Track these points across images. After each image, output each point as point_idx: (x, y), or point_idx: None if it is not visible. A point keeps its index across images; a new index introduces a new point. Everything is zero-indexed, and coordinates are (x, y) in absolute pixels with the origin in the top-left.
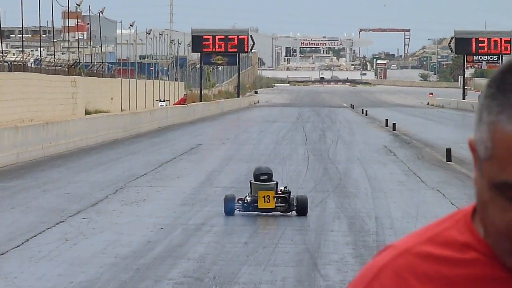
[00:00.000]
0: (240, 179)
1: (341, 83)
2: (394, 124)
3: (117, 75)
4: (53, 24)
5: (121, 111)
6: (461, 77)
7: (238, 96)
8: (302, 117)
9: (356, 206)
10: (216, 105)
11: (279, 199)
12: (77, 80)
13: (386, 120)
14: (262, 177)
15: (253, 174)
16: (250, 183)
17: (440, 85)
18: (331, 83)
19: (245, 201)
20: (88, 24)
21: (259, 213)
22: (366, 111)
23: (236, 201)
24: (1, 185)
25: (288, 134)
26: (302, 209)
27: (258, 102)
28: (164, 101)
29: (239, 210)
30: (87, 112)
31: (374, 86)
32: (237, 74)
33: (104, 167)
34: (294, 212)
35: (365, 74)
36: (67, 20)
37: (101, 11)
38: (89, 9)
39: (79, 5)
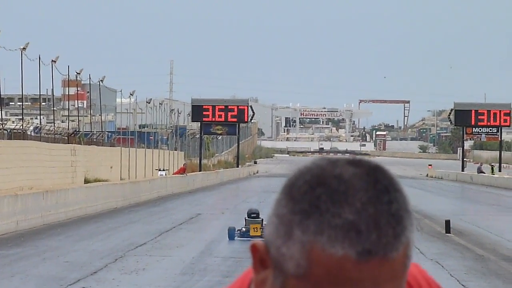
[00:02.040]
0: (240, 249)
1: (341, 154)
2: None
3: (117, 144)
4: (53, 92)
5: (121, 180)
6: (460, 149)
7: (238, 166)
8: None
9: None
10: (216, 175)
11: (263, 230)
12: (77, 149)
13: None
14: (252, 215)
15: (247, 213)
16: (245, 219)
17: (439, 157)
18: (331, 154)
19: (242, 231)
20: (88, 92)
21: (250, 239)
22: None
23: (235, 231)
24: (0, 253)
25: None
26: None
27: (257, 172)
28: (163, 170)
29: (238, 237)
30: (86, 181)
31: (373, 157)
32: (236, 144)
33: (103, 236)
34: None
35: (364, 145)
36: (67, 88)
37: (101, 80)
38: (89, 78)
39: (79, 73)
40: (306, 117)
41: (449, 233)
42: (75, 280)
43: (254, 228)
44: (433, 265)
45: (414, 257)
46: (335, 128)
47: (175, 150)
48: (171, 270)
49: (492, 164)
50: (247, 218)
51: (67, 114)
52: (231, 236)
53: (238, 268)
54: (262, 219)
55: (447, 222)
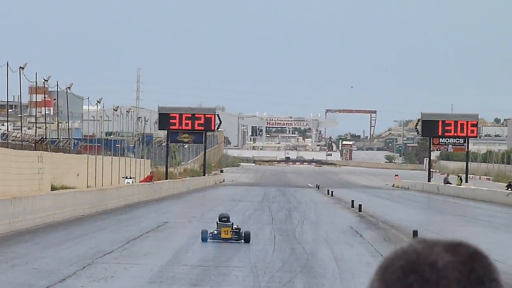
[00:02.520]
0: (207, 258)
1: (307, 163)
2: (360, 206)
3: (83, 151)
4: (20, 99)
5: (87, 187)
6: (426, 160)
7: (204, 175)
8: (268, 197)
9: (324, 286)
10: (182, 183)
11: (234, 233)
12: (44, 156)
13: (352, 201)
14: (223, 219)
15: (218, 217)
16: (217, 222)
17: (405, 167)
18: (297, 163)
19: (214, 233)
20: (55, 99)
21: (221, 241)
22: (332, 191)
23: (208, 233)
24: None
25: (254, 213)
26: (247, 239)
27: (223, 181)
28: (130, 178)
29: (210, 239)
30: (53, 188)
31: (339, 167)
32: (203, 152)
33: (71, 243)
34: (242, 241)
35: (330, 154)
36: (34, 95)
37: (68, 87)
38: (57, 85)
39: (47, 80)
40: (273, 126)
41: None
42: (44, 287)
43: (225, 231)
44: None
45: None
46: (301, 137)
47: (142, 158)
48: (140, 278)
49: (460, 174)
50: (218, 222)
51: (34, 121)
52: (204, 239)
53: (206, 277)
54: (232, 223)
55: (415, 232)
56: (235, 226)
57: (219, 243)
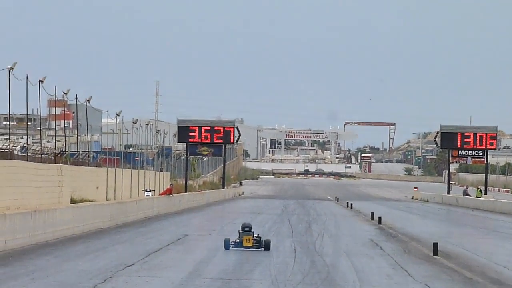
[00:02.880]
0: (228, 270)
1: (326, 175)
2: (379, 218)
3: (103, 164)
4: (39, 112)
5: (107, 200)
6: (445, 172)
7: (223, 187)
8: (287, 209)
9: None
10: (202, 196)
11: (255, 241)
12: (63, 169)
13: (372, 213)
14: (246, 228)
15: (241, 226)
16: (239, 231)
17: (424, 179)
18: (316, 175)
19: (236, 242)
20: (74, 112)
21: (243, 249)
22: (351, 204)
23: (230, 241)
24: None
25: (274, 226)
26: (267, 246)
27: (243, 194)
28: (149, 191)
29: (233, 247)
30: (72, 201)
31: (358, 179)
32: (222, 165)
33: (91, 256)
34: (263, 248)
35: (349, 167)
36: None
37: (88, 100)
38: (76, 98)
39: (66, 93)
40: (292, 138)
41: (437, 255)
42: None
43: (246, 239)
44: None
45: (402, 280)
46: (320, 150)
47: (161, 170)
48: None
49: (479, 186)
50: (240, 231)
51: (54, 134)
52: (226, 246)
53: None
54: (253, 232)
55: (435, 245)
56: (256, 235)
57: (240, 254)
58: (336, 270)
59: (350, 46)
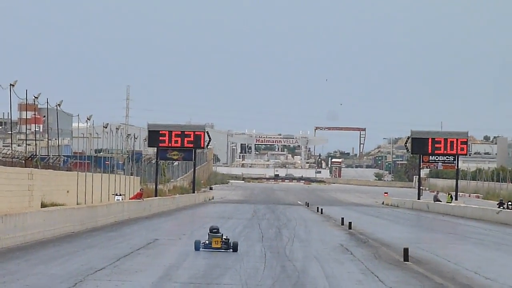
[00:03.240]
0: (198, 275)
1: (296, 180)
2: (350, 223)
3: (73, 168)
4: (10, 116)
5: (77, 204)
6: (416, 177)
7: (194, 192)
8: (257, 214)
9: None
10: (172, 200)
11: (223, 243)
12: (34, 173)
13: (342, 218)
14: (214, 230)
15: (209, 229)
16: (208, 233)
17: (394, 185)
18: (286, 180)
19: (205, 243)
20: (44, 116)
21: (212, 250)
22: (321, 209)
23: (200, 243)
24: None
25: (244, 230)
26: (235, 248)
27: (213, 198)
28: (120, 195)
29: (202, 248)
30: (43, 205)
31: (328, 185)
32: (192, 169)
33: (62, 260)
34: (231, 250)
35: (319, 172)
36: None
37: (58, 104)
38: (47, 102)
39: (37, 97)
40: (262, 143)
41: (408, 261)
42: None
43: (215, 241)
44: None
45: (373, 285)
46: (290, 155)
47: (131, 175)
48: None
49: (450, 192)
50: (209, 233)
51: (24, 138)
52: (197, 248)
53: None
54: (222, 234)
55: (406, 250)
56: (224, 237)
57: (210, 258)
58: (306, 275)
59: (320, 51)
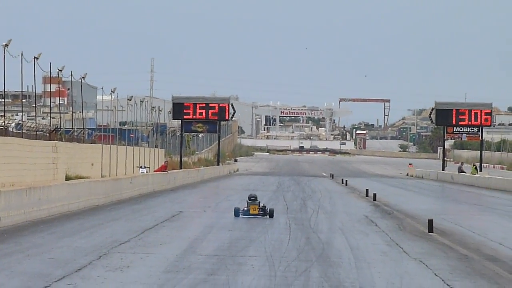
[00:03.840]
0: (223, 247)
1: (320, 152)
2: (374, 195)
3: (98, 141)
4: (34, 89)
5: (102, 177)
6: (440, 148)
7: (218, 164)
8: (282, 186)
9: (339, 275)
10: (196, 172)
11: (260, 209)
12: (58, 146)
13: (367, 190)
14: (252, 198)
15: (248, 197)
16: (246, 201)
17: (419, 156)
18: (311, 152)
19: (244, 209)
20: (69, 89)
21: (250, 216)
22: (346, 181)
23: (240, 210)
24: None
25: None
26: (271, 214)
27: (237, 170)
28: (144, 167)
29: (241, 215)
30: (67, 178)
31: (353, 156)
32: (217, 142)
33: (86, 233)
34: (268, 216)
35: (344, 144)
36: (48, 85)
37: (82, 77)
38: (71, 75)
39: (61, 70)
40: (286, 115)
41: (432, 232)
42: (60, 277)
43: (253, 208)
44: (417, 265)
45: (397, 256)
46: (315, 126)
47: (156, 147)
48: (156, 267)
49: (474, 163)
50: (248, 200)
51: (48, 111)
52: (236, 214)
53: (221, 266)
54: (259, 201)
55: (430, 222)
56: (262, 204)
57: (235, 229)
58: (331, 247)
59: (345, 23)
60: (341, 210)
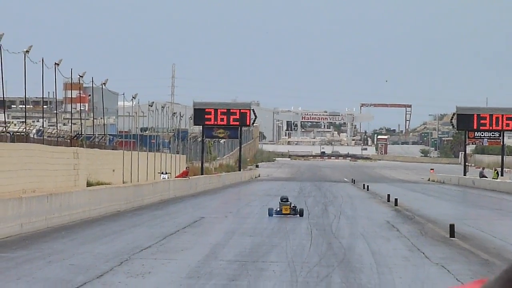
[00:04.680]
0: (244, 253)
1: (342, 158)
2: (396, 200)
3: (119, 147)
4: (55, 95)
5: (123, 183)
6: (461, 153)
7: (240, 170)
8: (303, 192)
9: (361, 281)
10: (218, 178)
11: (291, 209)
12: (79, 152)
13: (388, 195)
14: (284, 200)
15: (280, 198)
16: (279, 202)
17: (440, 161)
18: (332, 157)
19: (277, 210)
20: (89, 95)
21: (283, 215)
22: (368, 186)
23: (273, 210)
24: (6, 256)
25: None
26: (301, 213)
27: (259, 176)
28: (166, 173)
29: (275, 214)
30: (88, 184)
31: (374, 161)
32: (238, 147)
33: (108, 239)
34: (298, 215)
35: (366, 149)
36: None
37: (103, 83)
38: (92, 81)
39: (82, 76)
40: (308, 120)
41: (454, 237)
42: (81, 283)
43: (285, 208)
44: (438, 270)
45: (419, 261)
46: (336, 132)
47: (177, 153)
48: (177, 273)
49: (496, 168)
50: (280, 201)
51: (69, 117)
52: (270, 214)
53: (243, 272)
54: (290, 202)
55: (451, 226)
56: (292, 205)
57: (256, 235)
58: (352, 252)
59: (366, 29)
60: (363, 215)
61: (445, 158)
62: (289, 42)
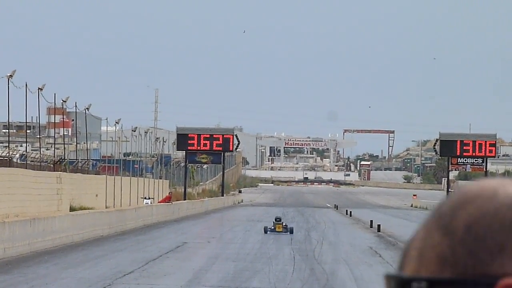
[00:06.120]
0: (227, 278)
1: (325, 183)
2: (379, 226)
3: (102, 172)
4: (39, 120)
5: (106, 208)
6: (444, 179)
7: (222, 195)
8: (286, 217)
9: None
10: (201, 203)
11: (283, 228)
12: (62, 176)
13: (371, 221)
14: (277, 219)
15: (274, 218)
16: (273, 222)
17: (423, 187)
18: (315, 183)
19: (271, 228)
20: (73, 120)
21: (276, 233)
22: (350, 212)
23: (268, 228)
24: None
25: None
26: (291, 231)
27: (242, 201)
28: (149, 198)
29: (269, 232)
30: (72, 209)
31: (357, 187)
32: (221, 172)
33: (90, 264)
34: (289, 233)
35: (348, 175)
36: (52, 116)
37: (87, 108)
38: (75, 106)
39: (65, 101)
40: (291, 146)
41: None
42: None
43: (278, 227)
44: None
45: None
46: (319, 157)
47: (160, 178)
48: None
49: None
50: (274, 221)
51: (53, 142)
52: (265, 231)
53: None
54: (283, 222)
55: None
56: (284, 224)
57: (239, 260)
58: (335, 277)
59: (348, 54)
60: (345, 241)
61: (428, 184)
62: (272, 68)
